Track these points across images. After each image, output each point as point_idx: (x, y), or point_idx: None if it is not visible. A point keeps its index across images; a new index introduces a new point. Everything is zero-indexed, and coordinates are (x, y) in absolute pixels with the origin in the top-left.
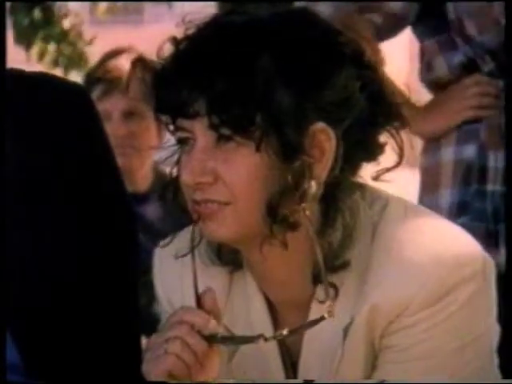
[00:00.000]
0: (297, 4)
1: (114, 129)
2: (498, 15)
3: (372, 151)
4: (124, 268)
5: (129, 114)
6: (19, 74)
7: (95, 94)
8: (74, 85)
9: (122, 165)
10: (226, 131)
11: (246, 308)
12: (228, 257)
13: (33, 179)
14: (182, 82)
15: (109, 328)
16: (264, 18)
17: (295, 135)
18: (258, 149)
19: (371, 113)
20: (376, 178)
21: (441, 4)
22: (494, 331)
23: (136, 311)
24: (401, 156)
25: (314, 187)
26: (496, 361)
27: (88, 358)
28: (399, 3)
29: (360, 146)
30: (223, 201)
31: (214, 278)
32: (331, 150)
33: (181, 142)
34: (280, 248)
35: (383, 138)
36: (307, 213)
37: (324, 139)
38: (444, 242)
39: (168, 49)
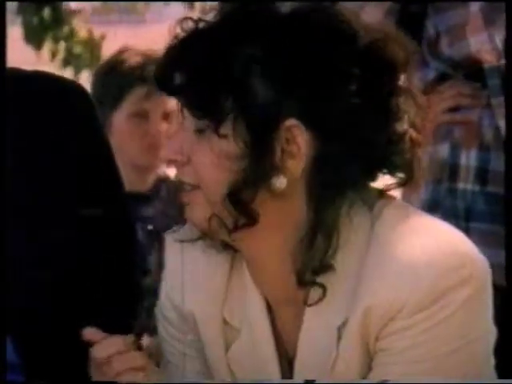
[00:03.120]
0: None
1: (152, 129)
2: (469, 30)
3: (379, 164)
4: (122, 267)
5: (166, 115)
6: (16, 74)
7: (137, 94)
8: (72, 83)
9: (154, 165)
10: (194, 111)
11: (243, 300)
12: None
13: (31, 178)
14: (169, 59)
15: (109, 328)
16: (270, 13)
17: (264, 126)
18: (216, 130)
19: (379, 124)
20: (389, 199)
21: (420, 20)
22: (490, 333)
23: (136, 311)
24: (410, 175)
25: (282, 182)
26: (493, 362)
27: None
28: (375, 18)
29: (362, 156)
30: (193, 183)
31: (214, 268)
32: (304, 147)
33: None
34: (258, 243)
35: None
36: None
37: (297, 136)
38: (439, 244)
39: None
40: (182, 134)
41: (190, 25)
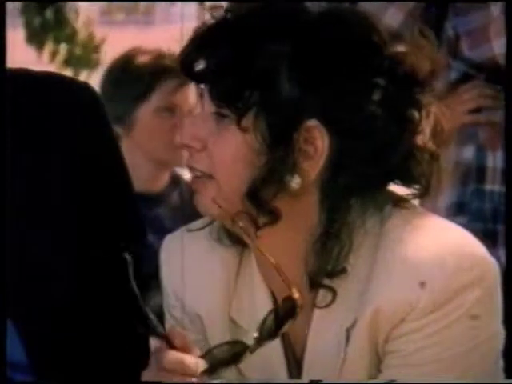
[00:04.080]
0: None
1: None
2: (492, 33)
3: (396, 175)
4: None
5: (191, 110)
6: (26, 74)
7: (167, 88)
8: (82, 84)
9: (177, 161)
10: (217, 101)
11: (251, 300)
12: (236, 235)
13: (38, 178)
14: (197, 46)
15: (116, 328)
16: (305, 12)
17: (285, 123)
18: (239, 123)
19: (397, 135)
20: (399, 203)
21: (440, 21)
22: (499, 335)
23: (144, 311)
24: (427, 186)
25: (298, 182)
26: (501, 363)
27: (95, 357)
28: (396, 21)
29: (378, 164)
30: (205, 172)
31: (221, 267)
32: (323, 149)
33: None
34: (270, 242)
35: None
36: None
37: (317, 137)
38: (449, 245)
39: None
40: (199, 119)
41: (220, 13)
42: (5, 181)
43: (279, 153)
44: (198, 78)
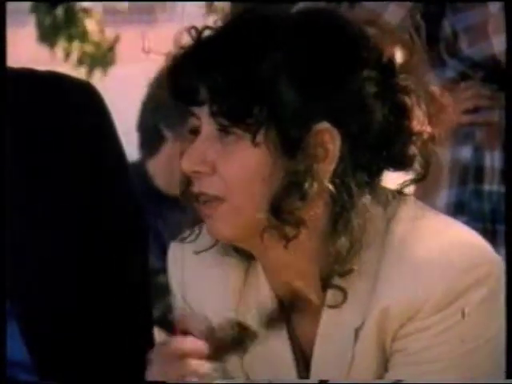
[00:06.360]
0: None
1: None
2: (491, 30)
3: (397, 161)
4: (135, 266)
5: None
6: (28, 73)
7: None
8: (84, 83)
9: None
10: (224, 121)
11: (258, 304)
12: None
13: (39, 178)
14: (190, 68)
15: (119, 327)
16: (284, 16)
17: (296, 132)
18: (253, 141)
19: (395, 123)
20: (401, 191)
21: (438, 18)
22: (504, 332)
23: (148, 309)
24: (425, 171)
25: (315, 187)
26: (504, 361)
27: (99, 356)
28: (397, 17)
29: (381, 154)
30: (218, 195)
31: (227, 274)
32: (335, 151)
33: (193, 131)
34: (284, 250)
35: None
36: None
37: (328, 139)
38: (456, 244)
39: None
40: (200, 143)
41: (196, 34)
42: (5, 181)
43: (295, 161)
44: (197, 103)
